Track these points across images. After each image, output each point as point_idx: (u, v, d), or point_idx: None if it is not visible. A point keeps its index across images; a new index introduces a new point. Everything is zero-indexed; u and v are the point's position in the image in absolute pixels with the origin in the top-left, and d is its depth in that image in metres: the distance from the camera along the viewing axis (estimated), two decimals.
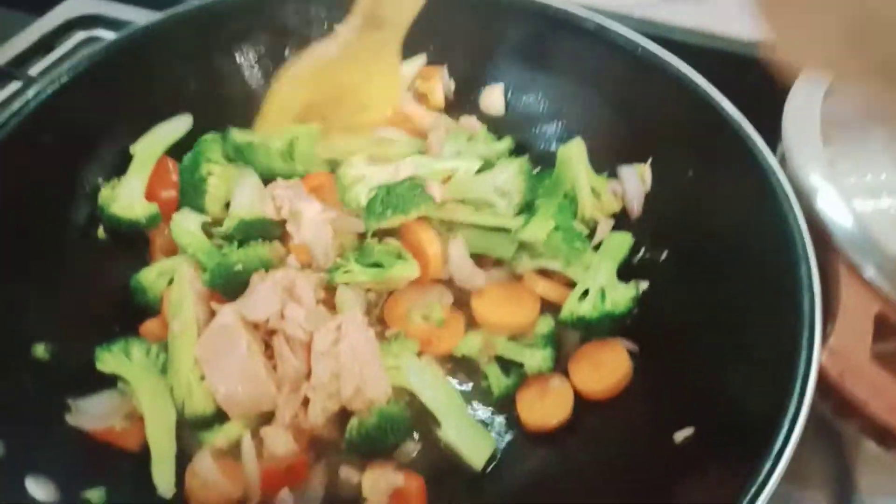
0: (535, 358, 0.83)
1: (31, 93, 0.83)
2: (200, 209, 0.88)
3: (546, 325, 0.86)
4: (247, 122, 0.96)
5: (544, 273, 0.89)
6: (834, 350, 0.66)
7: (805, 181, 0.76)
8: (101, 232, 0.89)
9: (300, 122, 0.88)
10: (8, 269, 0.77)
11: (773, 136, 0.83)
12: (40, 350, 0.76)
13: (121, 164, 0.91)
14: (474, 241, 0.88)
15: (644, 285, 0.88)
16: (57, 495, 0.64)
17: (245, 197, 0.87)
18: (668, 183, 0.91)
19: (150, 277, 0.85)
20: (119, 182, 0.89)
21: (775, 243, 0.73)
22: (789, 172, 0.77)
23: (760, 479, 0.58)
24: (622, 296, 0.84)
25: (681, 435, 0.71)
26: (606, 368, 0.83)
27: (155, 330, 0.83)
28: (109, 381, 0.78)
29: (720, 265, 0.80)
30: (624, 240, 0.90)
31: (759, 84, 0.95)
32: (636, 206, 0.93)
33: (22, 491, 0.62)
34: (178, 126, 0.94)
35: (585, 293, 0.84)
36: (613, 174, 0.95)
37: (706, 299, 0.80)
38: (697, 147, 0.87)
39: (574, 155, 0.92)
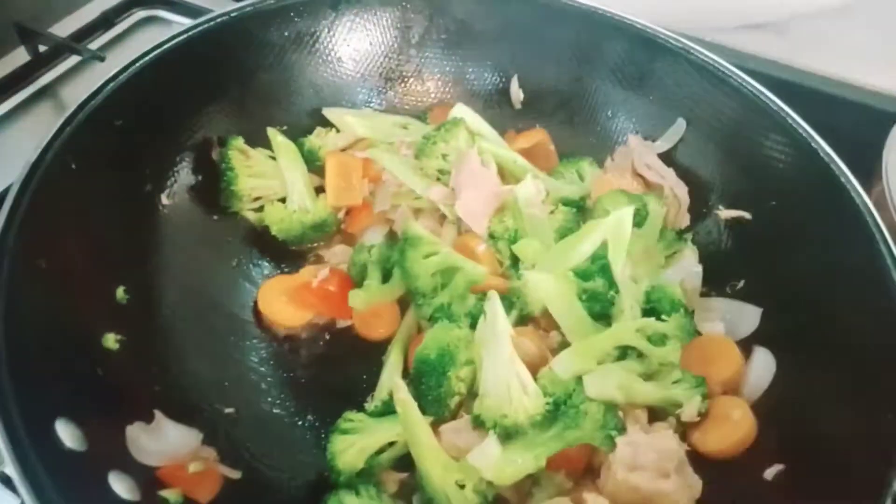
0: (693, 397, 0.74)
1: (108, 76, 0.82)
2: None
3: (674, 350, 0.77)
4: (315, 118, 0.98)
5: None
6: None
7: None
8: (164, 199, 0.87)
9: None
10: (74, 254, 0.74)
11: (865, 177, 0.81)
12: (110, 340, 0.73)
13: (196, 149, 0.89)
14: None
15: None
16: (137, 493, 0.63)
17: None
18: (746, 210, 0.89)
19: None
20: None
21: (868, 285, 0.71)
22: (889, 211, 0.76)
23: None
24: None
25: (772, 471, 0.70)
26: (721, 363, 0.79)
27: None
28: (177, 373, 0.76)
29: (806, 305, 0.78)
30: None
31: (848, 123, 0.97)
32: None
33: (105, 487, 0.60)
34: None
35: None
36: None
37: (794, 344, 0.78)
38: (782, 178, 0.85)
39: None
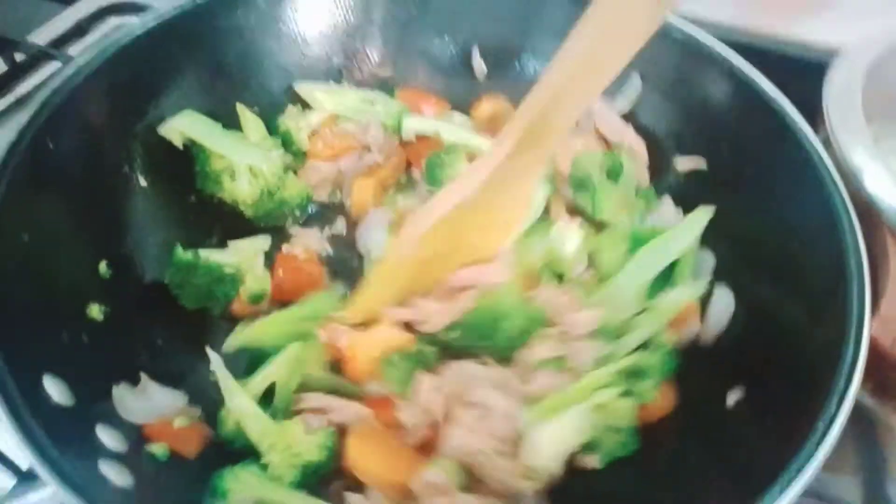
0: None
1: (69, 70, 0.82)
2: None
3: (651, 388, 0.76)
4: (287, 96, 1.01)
5: None
6: (885, 319, 0.67)
7: (850, 160, 0.77)
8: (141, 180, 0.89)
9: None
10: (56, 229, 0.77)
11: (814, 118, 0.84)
12: (95, 310, 0.76)
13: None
14: None
15: None
16: (124, 445, 0.65)
17: None
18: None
19: None
20: None
21: (821, 222, 0.74)
22: (834, 152, 0.79)
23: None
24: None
25: (733, 397, 0.73)
26: None
27: None
28: (162, 344, 0.79)
29: (763, 247, 0.81)
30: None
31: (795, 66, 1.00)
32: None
33: (93, 437, 0.63)
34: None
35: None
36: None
37: (751, 280, 0.82)
38: (734, 125, 0.89)
39: None
